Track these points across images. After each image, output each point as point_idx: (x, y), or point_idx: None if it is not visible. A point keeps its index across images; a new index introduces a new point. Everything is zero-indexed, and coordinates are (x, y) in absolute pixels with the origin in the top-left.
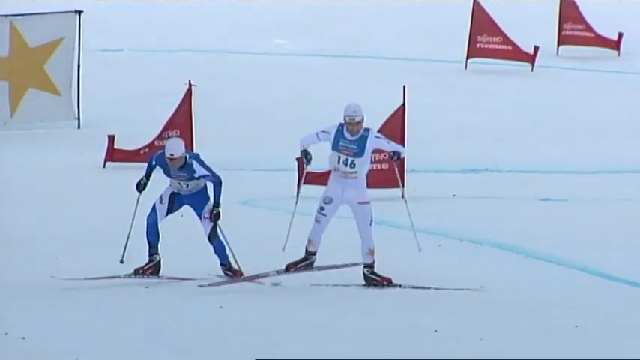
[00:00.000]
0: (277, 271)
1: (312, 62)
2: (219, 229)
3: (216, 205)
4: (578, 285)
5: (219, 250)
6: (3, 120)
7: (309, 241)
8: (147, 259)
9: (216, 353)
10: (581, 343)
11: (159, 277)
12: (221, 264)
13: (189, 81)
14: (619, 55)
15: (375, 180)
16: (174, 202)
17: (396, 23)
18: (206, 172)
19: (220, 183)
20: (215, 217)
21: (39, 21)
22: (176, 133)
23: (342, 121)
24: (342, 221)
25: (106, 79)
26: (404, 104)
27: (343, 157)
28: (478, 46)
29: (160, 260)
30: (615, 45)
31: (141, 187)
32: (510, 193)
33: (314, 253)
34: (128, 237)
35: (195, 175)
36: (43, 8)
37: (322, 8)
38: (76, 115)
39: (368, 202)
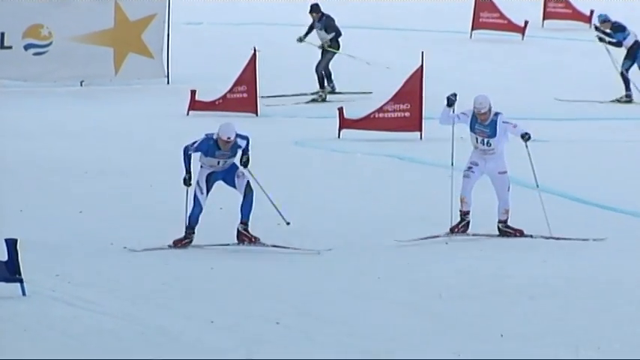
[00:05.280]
0: (446, 233)
1: (353, 32)
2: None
3: (246, 153)
4: (561, 207)
5: (246, 208)
6: (109, 77)
7: (461, 201)
8: (183, 234)
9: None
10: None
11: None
12: (241, 222)
13: (254, 47)
14: (590, 27)
15: (397, 124)
16: (210, 182)
17: (417, 2)
18: (245, 141)
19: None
20: (246, 162)
21: (137, 0)
22: (243, 87)
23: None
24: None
25: (189, 45)
26: (422, 66)
27: (480, 138)
28: (481, 20)
29: (193, 239)
30: (588, 19)
31: (187, 182)
32: None
33: (468, 213)
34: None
35: (239, 150)
36: None
37: None
38: (166, 74)
39: (506, 172)
